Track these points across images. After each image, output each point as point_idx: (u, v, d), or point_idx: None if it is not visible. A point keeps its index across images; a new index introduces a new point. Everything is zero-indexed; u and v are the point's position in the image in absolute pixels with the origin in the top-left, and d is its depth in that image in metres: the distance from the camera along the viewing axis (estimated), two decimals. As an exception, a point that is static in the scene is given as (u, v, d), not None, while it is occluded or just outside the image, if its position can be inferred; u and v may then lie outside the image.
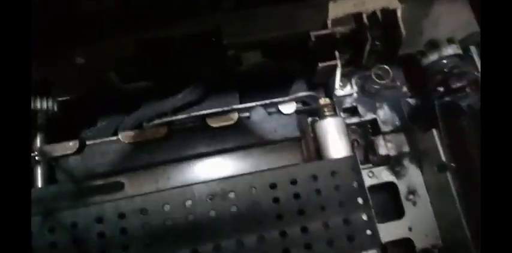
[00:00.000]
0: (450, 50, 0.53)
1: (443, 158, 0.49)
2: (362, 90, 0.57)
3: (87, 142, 0.46)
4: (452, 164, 0.48)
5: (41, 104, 0.46)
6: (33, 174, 0.44)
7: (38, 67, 0.48)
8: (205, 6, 0.75)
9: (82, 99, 0.54)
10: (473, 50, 0.50)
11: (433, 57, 0.54)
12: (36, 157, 0.44)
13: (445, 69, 0.53)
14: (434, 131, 0.51)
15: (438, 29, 0.84)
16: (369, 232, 0.41)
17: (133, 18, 0.72)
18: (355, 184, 0.43)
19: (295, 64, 0.57)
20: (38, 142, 0.45)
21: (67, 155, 0.44)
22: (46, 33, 0.53)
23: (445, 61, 0.53)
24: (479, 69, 0.49)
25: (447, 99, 0.52)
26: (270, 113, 0.48)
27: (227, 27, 0.64)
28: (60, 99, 0.53)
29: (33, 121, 0.46)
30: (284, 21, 0.75)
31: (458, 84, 0.52)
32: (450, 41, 0.55)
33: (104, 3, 0.74)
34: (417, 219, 0.50)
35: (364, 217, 0.41)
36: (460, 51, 0.53)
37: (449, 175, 0.48)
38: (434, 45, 0.55)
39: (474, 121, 0.49)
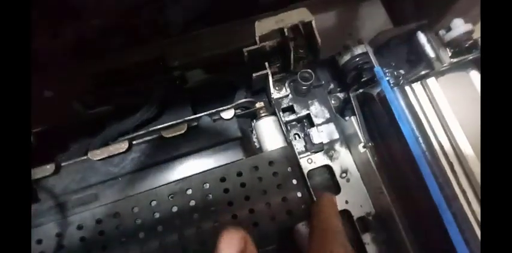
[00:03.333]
0: (359, 50, 0.64)
1: (362, 140, 0.59)
2: (295, 91, 0.67)
3: (62, 164, 0.53)
4: (370, 143, 0.59)
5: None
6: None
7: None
8: (152, 33, 0.84)
9: (53, 129, 0.61)
10: (368, 48, 0.61)
11: (347, 57, 0.64)
12: (18, 182, 0.51)
13: (357, 66, 0.64)
14: (353, 118, 0.61)
15: (363, 29, 0.97)
16: (303, 206, 0.50)
17: (88, 52, 0.81)
18: (289, 169, 0.52)
19: (235, 76, 0.66)
20: (18, 169, 0.52)
21: (46, 177, 0.52)
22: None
23: (356, 59, 0.64)
24: (375, 63, 0.59)
25: (361, 90, 0.63)
26: (214, 120, 0.56)
27: (172, 52, 0.73)
28: (34, 130, 0.60)
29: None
30: (224, 39, 0.85)
31: (368, 76, 0.63)
32: (359, 42, 0.66)
33: (59, 41, 0.83)
34: (352, 193, 0.60)
35: (299, 194, 0.51)
36: (369, 48, 0.64)
37: (368, 153, 0.58)
38: (346, 47, 0.66)
39: (383, 105, 0.60)
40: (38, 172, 0.52)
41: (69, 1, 0.79)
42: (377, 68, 0.57)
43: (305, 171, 0.57)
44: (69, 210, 0.52)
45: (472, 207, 0.55)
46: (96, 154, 0.52)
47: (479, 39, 0.63)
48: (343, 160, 0.62)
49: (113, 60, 0.73)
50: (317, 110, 0.67)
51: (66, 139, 0.66)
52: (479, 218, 0.53)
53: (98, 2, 0.82)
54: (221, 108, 0.58)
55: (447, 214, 0.49)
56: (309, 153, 0.64)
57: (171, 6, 0.87)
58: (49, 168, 0.52)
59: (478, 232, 0.51)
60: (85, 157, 0.53)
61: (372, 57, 0.59)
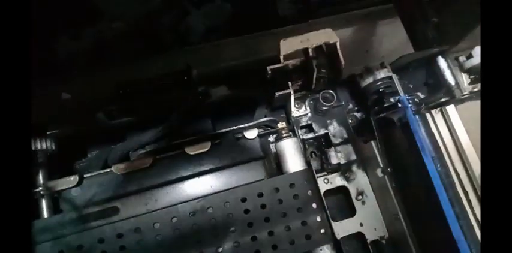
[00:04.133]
0: (382, 74, 0.64)
1: (381, 164, 0.60)
2: (314, 110, 0.68)
3: (85, 176, 0.54)
4: (389, 169, 0.60)
5: (41, 145, 0.53)
6: (39, 206, 0.52)
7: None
8: (174, 41, 0.85)
9: (75, 137, 0.62)
10: (394, 76, 0.61)
11: (369, 80, 0.65)
12: (41, 192, 0.52)
13: (379, 89, 0.65)
14: (373, 142, 0.62)
15: (381, 47, 0.97)
16: (322, 230, 0.51)
17: (109, 56, 0.81)
18: (309, 192, 0.53)
19: (257, 93, 0.66)
20: (41, 178, 0.53)
21: (68, 188, 0.52)
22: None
23: (378, 83, 0.64)
24: (400, 92, 0.60)
25: (382, 115, 0.64)
26: (237, 139, 0.57)
27: (194, 61, 0.74)
28: (51, 132, 0.60)
29: (35, 160, 0.54)
30: (245, 50, 0.85)
31: (391, 101, 0.63)
32: (382, 65, 0.66)
33: (80, 43, 0.83)
34: (366, 215, 0.61)
35: (318, 218, 0.52)
36: (390, 74, 0.64)
37: (386, 178, 0.59)
38: (368, 69, 0.66)
39: (404, 132, 0.60)
40: (61, 184, 0.52)
41: (91, 2, 0.79)
42: (403, 97, 0.57)
43: (321, 192, 0.58)
44: (91, 223, 0.52)
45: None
46: (120, 169, 0.53)
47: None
48: (360, 182, 0.63)
49: (136, 69, 0.74)
50: (335, 130, 0.67)
51: (86, 145, 0.66)
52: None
53: (119, 4, 0.82)
54: (244, 126, 0.59)
55: (463, 244, 0.50)
56: (325, 172, 0.64)
57: (192, 14, 0.87)
58: (72, 179, 0.52)
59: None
60: (108, 170, 0.53)
61: (397, 86, 0.59)
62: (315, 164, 0.66)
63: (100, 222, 0.52)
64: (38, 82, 0.63)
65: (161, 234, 0.49)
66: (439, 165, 0.57)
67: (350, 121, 0.70)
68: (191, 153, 0.54)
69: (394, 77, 0.61)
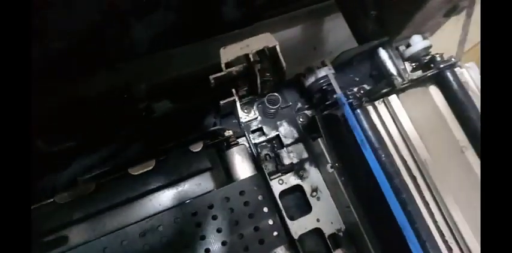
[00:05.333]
0: (323, 72, 0.65)
1: (329, 160, 0.61)
2: (264, 113, 0.68)
3: (27, 208, 0.52)
4: (337, 164, 0.61)
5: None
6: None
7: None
8: (118, 55, 0.82)
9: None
10: (330, 75, 0.62)
11: (311, 79, 0.66)
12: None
13: (322, 87, 0.66)
14: (320, 139, 0.63)
15: (327, 43, 0.99)
16: (275, 233, 0.52)
17: (49, 76, 0.78)
18: (260, 197, 0.54)
19: (202, 101, 0.66)
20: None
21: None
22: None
23: (320, 81, 0.65)
24: (337, 90, 0.61)
25: (326, 112, 0.65)
26: (183, 152, 0.57)
27: (138, 74, 0.72)
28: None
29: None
30: (193, 58, 0.84)
31: (333, 98, 0.65)
32: (323, 63, 0.67)
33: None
34: (322, 211, 0.62)
35: (271, 222, 0.52)
36: (331, 71, 0.66)
37: (335, 173, 0.60)
38: (310, 69, 0.67)
39: (347, 127, 0.61)
40: (2, 219, 0.50)
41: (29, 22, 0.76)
42: (338, 95, 0.58)
43: (277, 193, 0.59)
44: (39, 255, 0.51)
45: (435, 218, 0.58)
46: (63, 197, 0.51)
47: (437, 55, 0.66)
48: (313, 179, 0.64)
49: (80, 88, 0.71)
50: (286, 131, 0.68)
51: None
52: (443, 230, 0.57)
53: (58, 23, 0.79)
54: (190, 138, 0.58)
55: (408, 231, 0.52)
56: (279, 173, 0.65)
57: (134, 27, 0.85)
58: (13, 214, 0.50)
59: (441, 244, 0.55)
60: (51, 200, 0.52)
61: (334, 84, 0.60)
62: (270, 166, 0.67)
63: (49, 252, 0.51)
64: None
65: (113, 259, 0.49)
66: (383, 155, 0.58)
67: (301, 120, 0.71)
68: (135, 173, 0.53)
69: (330, 75, 0.62)
